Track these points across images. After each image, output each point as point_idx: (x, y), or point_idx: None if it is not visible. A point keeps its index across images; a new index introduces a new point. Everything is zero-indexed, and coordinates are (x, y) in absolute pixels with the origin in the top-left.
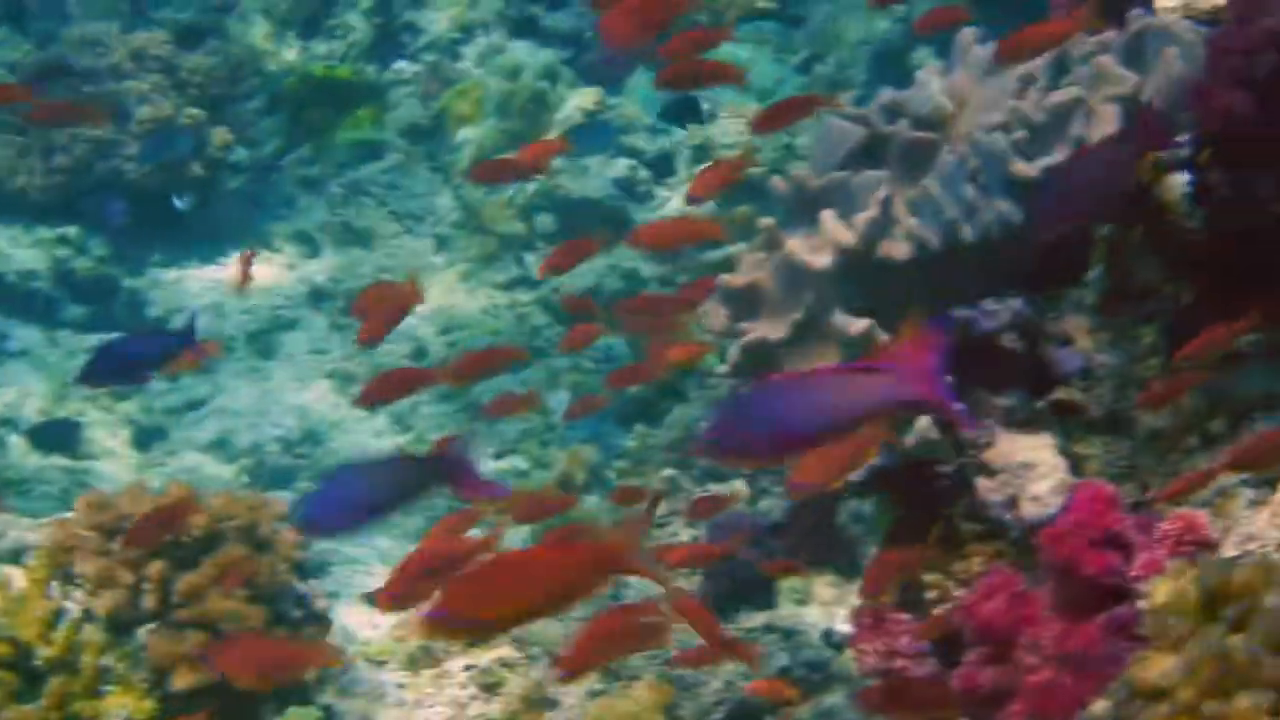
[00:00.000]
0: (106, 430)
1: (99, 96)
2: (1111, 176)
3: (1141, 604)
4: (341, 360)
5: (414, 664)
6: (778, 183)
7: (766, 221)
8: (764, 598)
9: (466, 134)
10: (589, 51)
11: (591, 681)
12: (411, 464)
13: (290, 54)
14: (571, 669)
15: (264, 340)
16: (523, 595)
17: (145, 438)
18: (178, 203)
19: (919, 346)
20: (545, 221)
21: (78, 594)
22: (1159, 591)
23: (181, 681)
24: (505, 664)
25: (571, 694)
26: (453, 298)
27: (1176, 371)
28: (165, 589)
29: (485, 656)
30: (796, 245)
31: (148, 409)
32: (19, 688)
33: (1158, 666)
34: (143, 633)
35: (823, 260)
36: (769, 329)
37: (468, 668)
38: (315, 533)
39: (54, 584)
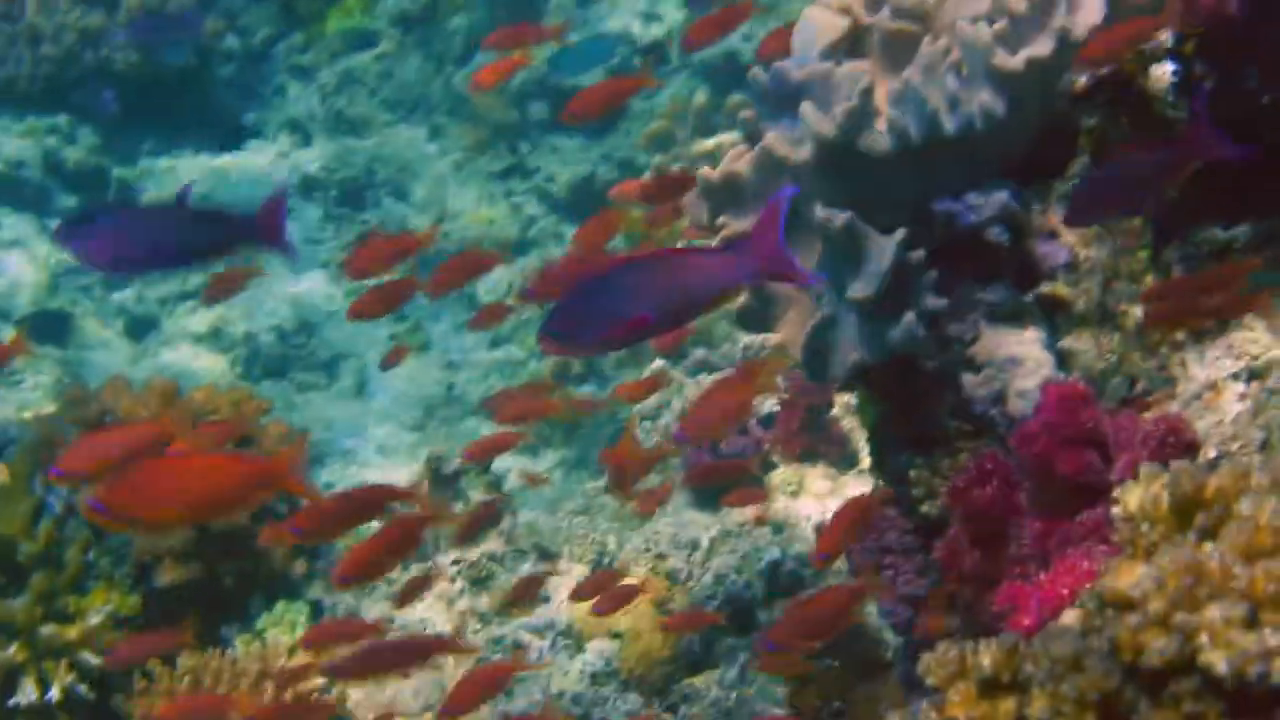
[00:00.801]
0: (99, 321)
1: None
2: (1156, 179)
3: (1115, 509)
4: (336, 250)
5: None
6: (757, 74)
7: (746, 113)
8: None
9: (458, 21)
10: None
11: (581, 575)
12: (217, 219)
13: None
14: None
15: None
16: (179, 498)
17: (138, 328)
18: (107, 95)
19: (759, 224)
20: (539, 109)
21: (60, 490)
22: (1130, 498)
23: (166, 577)
24: (494, 559)
25: (562, 589)
26: (445, 188)
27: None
28: None
29: (475, 551)
30: (774, 138)
31: (141, 298)
32: (1, 583)
33: (1128, 576)
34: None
35: (802, 153)
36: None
37: (455, 562)
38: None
39: (36, 479)
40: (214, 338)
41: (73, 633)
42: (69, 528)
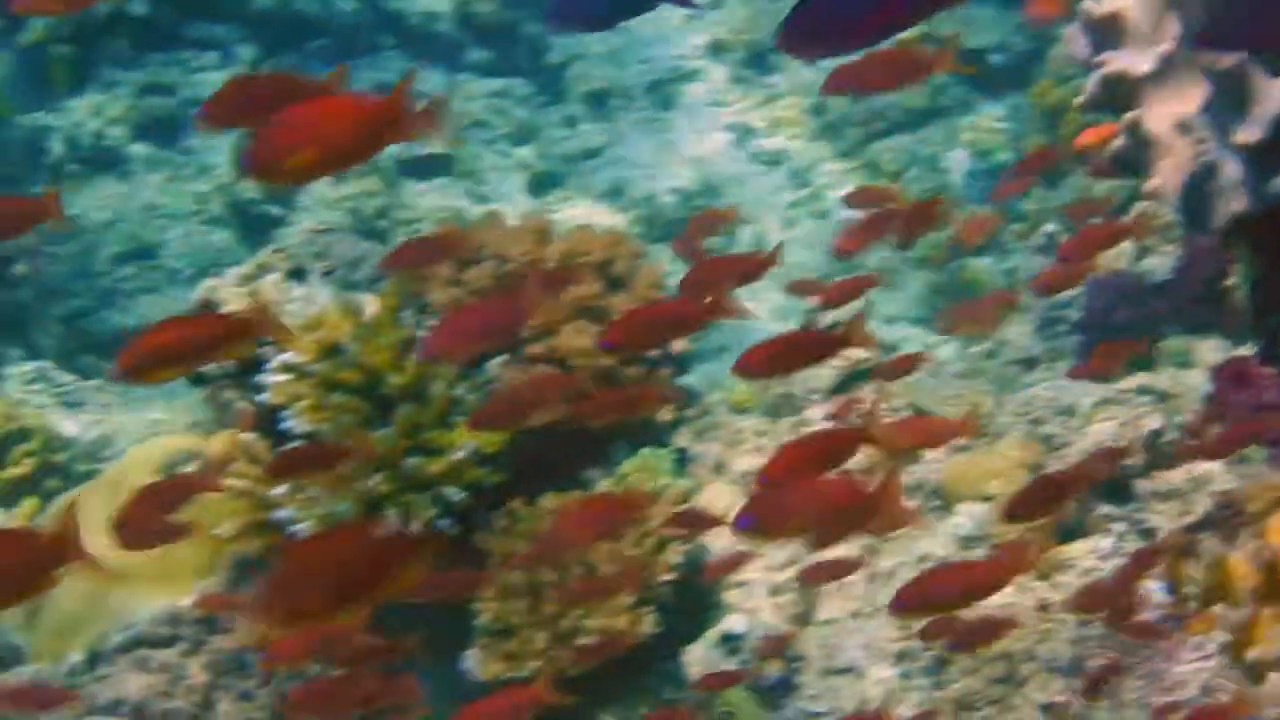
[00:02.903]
0: (501, 175)
1: None
2: None
3: None
4: (740, 111)
5: (775, 411)
6: None
7: None
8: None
9: None
10: None
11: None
12: None
13: None
14: None
15: (663, 91)
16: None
17: (541, 184)
18: None
19: None
20: None
21: (431, 323)
22: None
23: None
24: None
25: (938, 450)
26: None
27: None
28: None
29: (848, 415)
30: None
31: (544, 154)
32: (369, 414)
33: None
34: (493, 365)
35: None
36: (1132, 61)
37: (827, 418)
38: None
39: (406, 312)
40: (613, 195)
41: (437, 467)
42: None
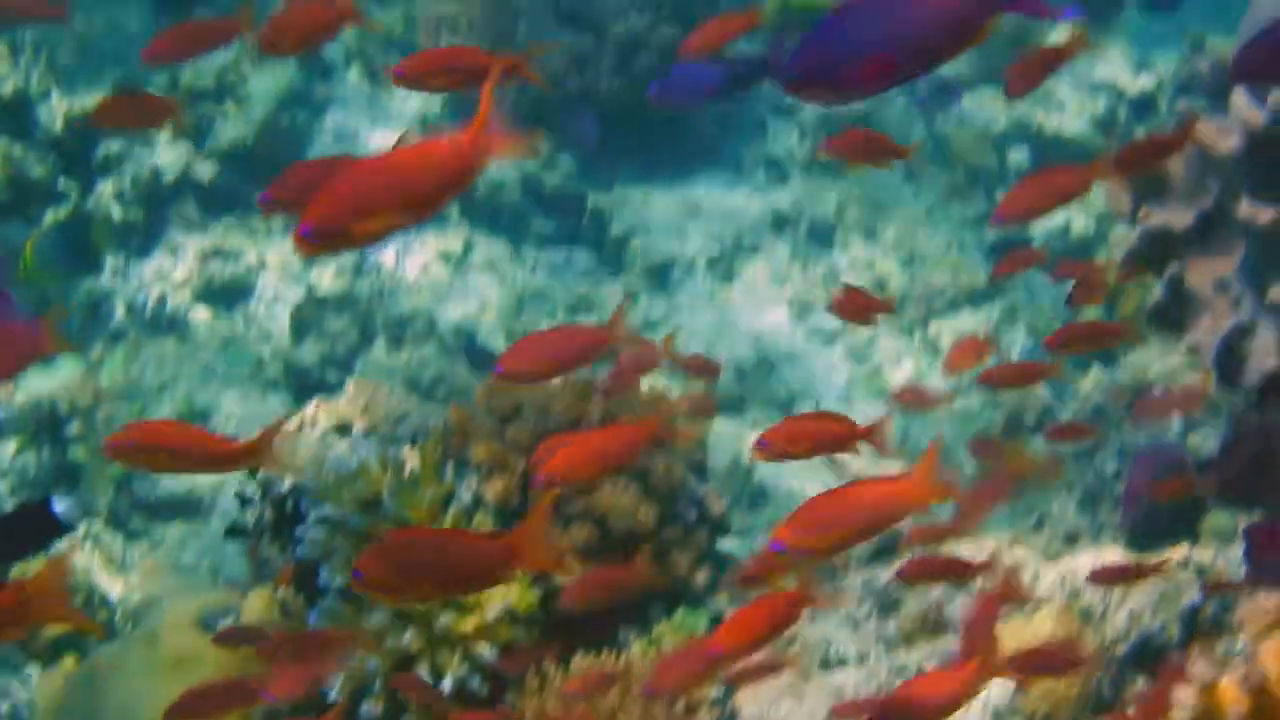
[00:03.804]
0: None
1: None
2: None
3: None
4: (801, 288)
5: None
6: (1201, 65)
7: (1181, 104)
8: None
9: (947, 68)
10: None
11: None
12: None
13: None
14: None
15: (724, 264)
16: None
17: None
18: (588, 122)
19: None
20: (1019, 155)
21: (471, 479)
22: None
23: (569, 575)
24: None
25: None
26: (917, 230)
27: None
28: None
29: (883, 574)
30: (1202, 126)
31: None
32: None
33: None
34: None
35: (1230, 143)
36: (1174, 215)
37: (866, 583)
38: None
39: (448, 467)
40: (670, 368)
41: (469, 624)
42: (475, 517)
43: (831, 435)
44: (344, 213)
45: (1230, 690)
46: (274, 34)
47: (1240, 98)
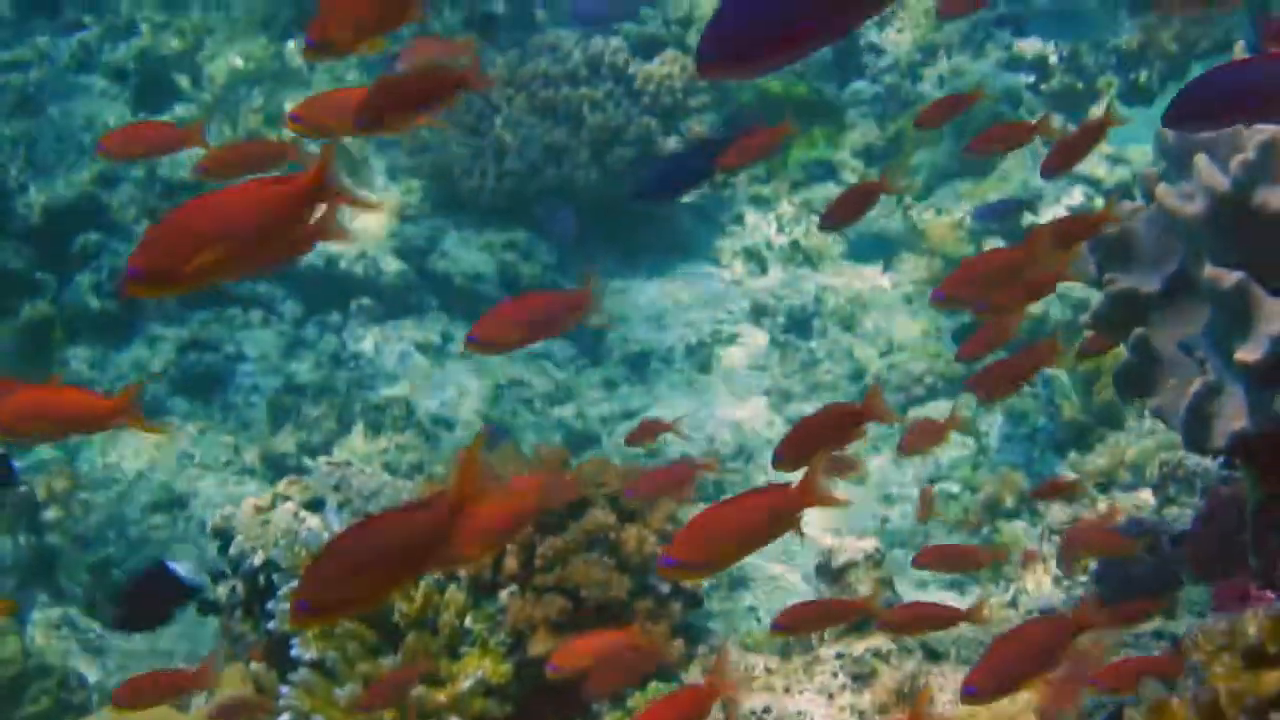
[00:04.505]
0: (538, 435)
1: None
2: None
3: None
4: (781, 378)
5: (785, 652)
6: (1164, 131)
7: (1149, 171)
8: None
9: (922, 157)
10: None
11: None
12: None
13: None
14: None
15: (702, 354)
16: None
17: (578, 444)
18: (565, 214)
19: None
20: (994, 244)
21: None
22: None
23: (539, 647)
24: (878, 654)
25: (946, 690)
26: (895, 318)
27: None
28: (528, 552)
29: (859, 646)
30: (1165, 191)
31: (582, 414)
32: (376, 643)
33: None
34: (504, 596)
35: (1193, 208)
36: (1139, 281)
37: (839, 655)
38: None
39: None
40: (650, 458)
41: (443, 696)
42: (447, 591)
43: (835, 422)
44: (175, 255)
45: (1181, 710)
46: (213, 164)
47: (1204, 160)
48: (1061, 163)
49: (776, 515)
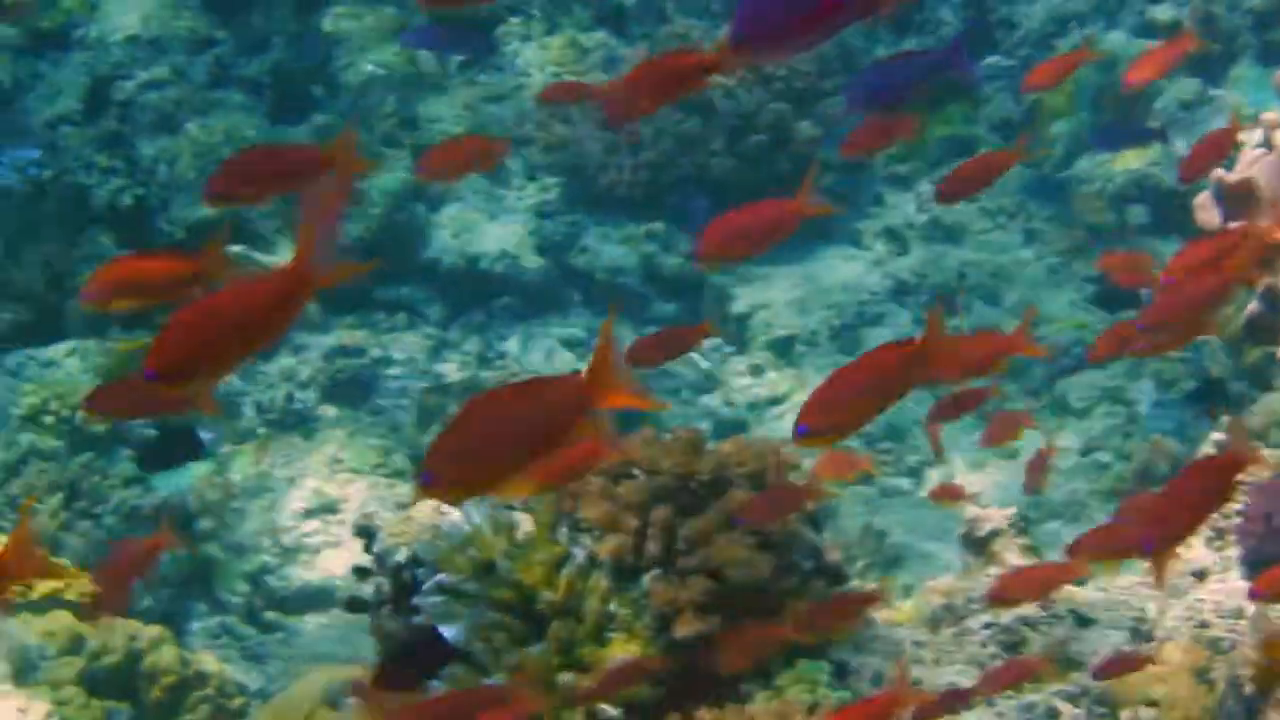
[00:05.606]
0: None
1: None
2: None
3: None
4: None
5: (935, 623)
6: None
7: (1269, 116)
8: None
9: (1060, 127)
10: None
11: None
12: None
13: (881, 49)
14: None
15: (847, 335)
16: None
17: (726, 432)
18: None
19: None
20: (1138, 212)
21: (585, 539)
22: None
23: (685, 629)
24: (1028, 622)
25: (1097, 655)
26: (1038, 293)
27: None
28: (670, 535)
29: (1006, 615)
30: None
31: (729, 402)
32: (523, 632)
33: None
34: (647, 579)
35: None
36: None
37: (988, 625)
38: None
39: (561, 529)
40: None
41: (590, 683)
42: (591, 578)
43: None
44: (191, 353)
45: None
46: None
47: None
48: (1199, 169)
49: (901, 369)
